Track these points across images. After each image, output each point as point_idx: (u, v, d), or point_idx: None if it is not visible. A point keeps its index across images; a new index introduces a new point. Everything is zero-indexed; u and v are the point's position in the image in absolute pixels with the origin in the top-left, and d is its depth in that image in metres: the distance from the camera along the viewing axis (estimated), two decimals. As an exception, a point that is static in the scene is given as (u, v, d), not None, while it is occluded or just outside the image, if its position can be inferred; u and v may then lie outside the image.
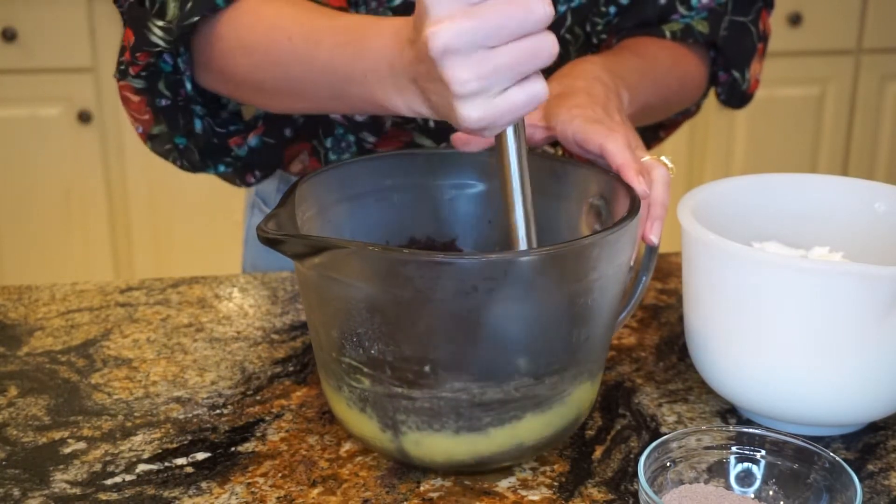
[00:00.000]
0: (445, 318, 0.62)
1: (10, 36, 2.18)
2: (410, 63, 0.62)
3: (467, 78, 0.57)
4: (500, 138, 0.63)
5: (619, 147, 0.72)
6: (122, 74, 0.85)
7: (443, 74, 0.58)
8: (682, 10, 0.97)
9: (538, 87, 0.60)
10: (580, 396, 0.67)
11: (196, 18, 0.79)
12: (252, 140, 0.94)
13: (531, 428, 0.65)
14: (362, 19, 0.72)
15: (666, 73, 0.95)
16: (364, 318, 0.62)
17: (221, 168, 0.94)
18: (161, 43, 0.80)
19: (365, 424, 0.66)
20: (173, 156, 0.90)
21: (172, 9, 0.79)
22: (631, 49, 0.95)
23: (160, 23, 0.80)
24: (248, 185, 0.99)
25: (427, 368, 0.62)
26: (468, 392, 0.63)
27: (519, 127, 0.63)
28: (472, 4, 0.57)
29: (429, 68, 0.59)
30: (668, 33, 0.96)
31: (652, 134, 1.12)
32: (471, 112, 0.59)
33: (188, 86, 0.86)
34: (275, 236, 0.61)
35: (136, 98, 0.86)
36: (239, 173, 0.97)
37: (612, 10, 0.96)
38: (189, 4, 0.79)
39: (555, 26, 0.93)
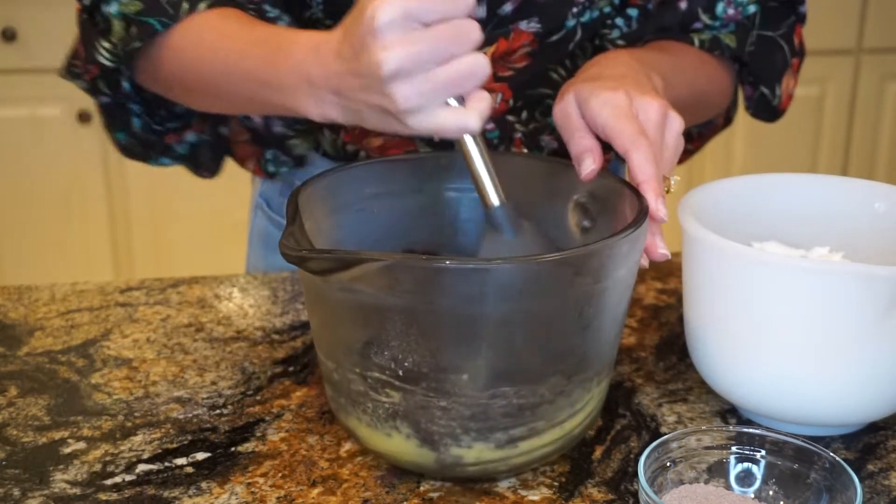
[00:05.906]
0: (487, 325, 0.61)
1: (10, 36, 2.18)
2: (338, 76, 0.66)
3: (410, 94, 0.63)
4: (460, 146, 0.67)
5: (643, 160, 0.69)
6: (71, 76, 0.90)
7: (390, 92, 0.63)
8: (705, 18, 0.94)
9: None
10: (598, 396, 0.68)
11: (138, 44, 0.83)
12: (189, 136, 0.97)
13: (558, 431, 0.65)
14: (280, 32, 0.76)
15: (695, 71, 0.93)
16: (399, 330, 0.60)
17: (166, 161, 0.98)
18: (107, 63, 0.85)
19: (394, 440, 0.65)
20: (116, 146, 0.96)
21: (118, 31, 0.83)
22: (657, 47, 0.93)
23: (106, 44, 0.84)
24: (203, 177, 1.03)
25: (465, 377, 0.61)
26: (505, 397, 0.62)
27: (477, 137, 0.67)
28: (415, 30, 0.62)
29: (368, 84, 0.64)
30: (696, 41, 0.94)
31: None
32: (413, 122, 0.65)
33: (126, 85, 0.90)
34: (301, 254, 0.59)
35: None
36: (190, 167, 1.01)
37: (621, 21, 0.95)
38: (133, 29, 0.82)
39: (564, 41, 0.92)
